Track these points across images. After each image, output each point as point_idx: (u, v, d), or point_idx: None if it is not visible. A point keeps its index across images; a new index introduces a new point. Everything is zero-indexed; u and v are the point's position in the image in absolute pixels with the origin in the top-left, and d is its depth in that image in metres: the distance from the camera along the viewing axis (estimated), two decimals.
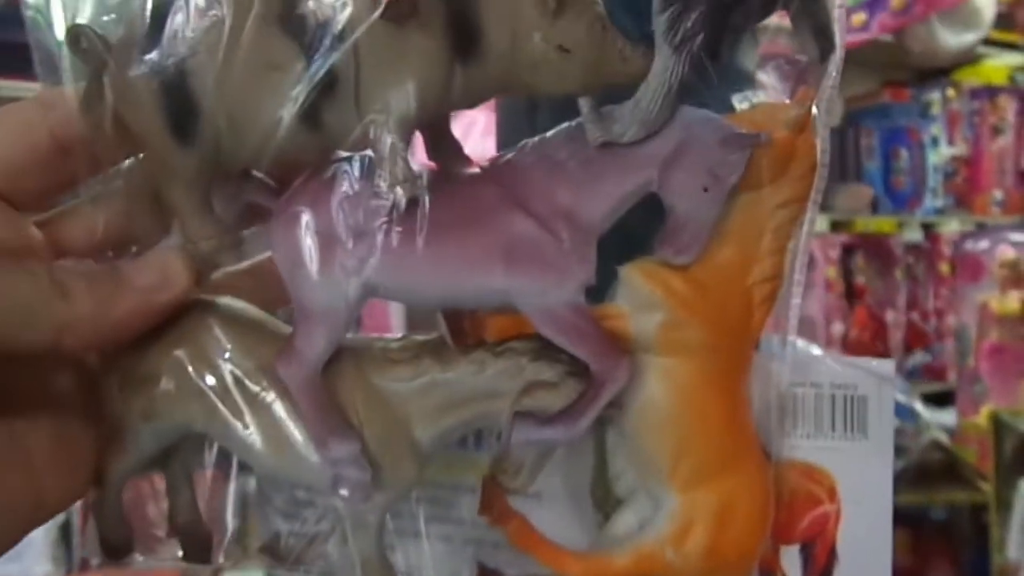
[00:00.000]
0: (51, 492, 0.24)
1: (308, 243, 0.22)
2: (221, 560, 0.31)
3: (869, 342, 1.64)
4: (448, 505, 0.29)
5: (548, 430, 0.23)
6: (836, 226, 1.64)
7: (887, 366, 0.26)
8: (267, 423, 0.24)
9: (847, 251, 1.68)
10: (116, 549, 0.27)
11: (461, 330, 0.24)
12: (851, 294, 1.68)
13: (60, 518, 1.21)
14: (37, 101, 0.24)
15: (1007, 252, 1.17)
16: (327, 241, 0.22)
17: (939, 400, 1.52)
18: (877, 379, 0.26)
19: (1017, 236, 1.22)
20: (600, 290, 0.24)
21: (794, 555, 0.26)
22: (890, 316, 1.70)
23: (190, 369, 0.24)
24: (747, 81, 0.25)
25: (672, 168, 0.23)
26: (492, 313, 0.24)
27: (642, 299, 0.24)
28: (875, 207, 1.74)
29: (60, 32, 0.26)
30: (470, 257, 0.22)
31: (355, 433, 0.23)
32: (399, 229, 0.22)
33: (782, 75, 0.24)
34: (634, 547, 0.24)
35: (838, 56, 0.23)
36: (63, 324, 0.22)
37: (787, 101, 0.24)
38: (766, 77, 0.24)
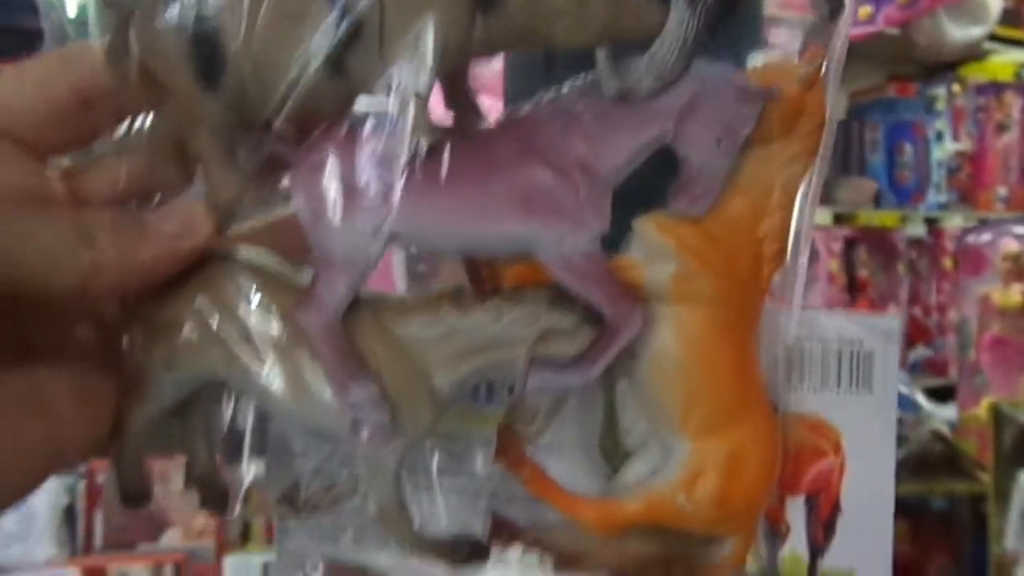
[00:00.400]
0: (70, 440, 0.25)
1: (330, 190, 0.23)
2: (238, 510, 0.32)
3: None
4: (461, 459, 0.30)
5: (563, 376, 0.24)
6: (839, 219, 1.65)
7: (893, 322, 0.26)
8: (287, 370, 0.25)
9: (849, 244, 1.69)
10: (134, 497, 0.28)
11: (479, 278, 0.25)
12: (853, 287, 1.69)
13: (64, 502, 1.22)
14: (59, 54, 0.25)
15: (1010, 245, 1.18)
16: (348, 188, 0.23)
17: (940, 395, 1.53)
18: (883, 335, 0.26)
19: (1020, 229, 1.22)
20: (614, 243, 0.25)
21: (799, 506, 0.27)
22: (892, 310, 1.70)
23: (211, 317, 0.25)
24: (759, 38, 0.25)
25: (686, 120, 0.23)
26: (509, 261, 0.25)
27: (655, 250, 0.24)
28: (878, 201, 1.75)
29: (71, 10, 0.26)
30: (488, 205, 0.23)
31: (374, 378, 0.24)
32: (419, 177, 0.23)
33: (792, 33, 0.25)
34: (645, 493, 0.25)
35: (848, 14, 0.24)
36: (89, 269, 0.22)
37: (797, 59, 0.25)
38: (777, 35, 0.25)
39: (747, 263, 0.25)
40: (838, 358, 0.27)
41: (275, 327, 0.25)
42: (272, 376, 0.25)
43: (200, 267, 0.25)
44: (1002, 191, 1.81)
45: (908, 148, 1.78)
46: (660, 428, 0.25)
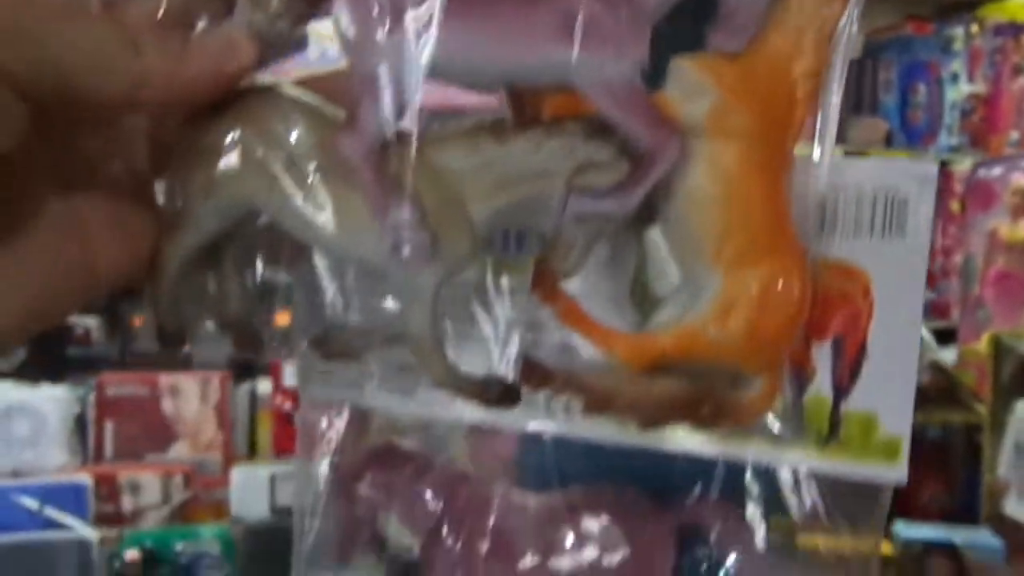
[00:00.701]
0: (105, 266, 0.25)
1: (375, 8, 0.23)
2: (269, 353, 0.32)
3: None
4: (490, 305, 0.30)
5: (602, 202, 0.24)
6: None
7: (930, 168, 0.27)
8: (327, 195, 0.25)
9: None
10: (171, 337, 0.28)
11: (521, 108, 0.25)
12: None
13: (75, 411, 1.24)
14: None
15: (1020, 180, 1.17)
16: (395, 11, 0.23)
17: (941, 338, 1.54)
18: (918, 180, 0.26)
19: None
20: (652, 83, 0.25)
21: (825, 349, 0.27)
22: None
23: (253, 144, 0.25)
24: None
25: None
26: (550, 91, 0.25)
27: (692, 86, 0.25)
28: (889, 141, 1.73)
29: None
30: (531, 31, 0.23)
31: (414, 201, 0.24)
32: (463, 2, 0.23)
33: None
34: (678, 326, 0.25)
35: None
36: (136, 79, 0.23)
37: None
38: None
39: (781, 102, 0.25)
40: (872, 203, 0.27)
41: (317, 155, 0.25)
42: (312, 203, 0.25)
43: (243, 97, 0.25)
44: (1014, 135, 1.80)
45: (922, 88, 1.76)
46: (693, 264, 0.26)
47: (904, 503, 1.14)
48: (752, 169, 0.25)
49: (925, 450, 1.09)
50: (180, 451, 1.25)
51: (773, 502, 0.29)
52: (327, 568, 0.34)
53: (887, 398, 0.27)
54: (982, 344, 1.13)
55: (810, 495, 0.27)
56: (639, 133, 0.24)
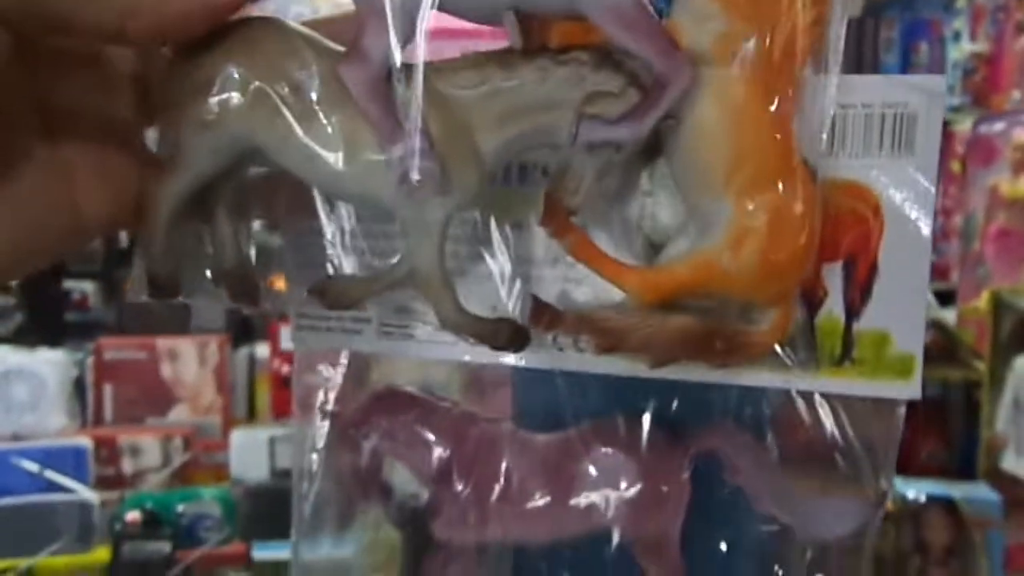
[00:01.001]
0: (90, 210, 0.25)
1: None
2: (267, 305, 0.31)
3: None
4: (490, 243, 0.29)
5: (615, 129, 0.23)
6: None
7: (939, 82, 0.26)
8: (333, 127, 0.24)
9: None
10: (162, 287, 0.27)
11: (528, 37, 0.24)
12: None
13: (74, 375, 1.24)
14: None
15: (1022, 136, 1.16)
16: None
17: (941, 300, 1.54)
18: (927, 95, 0.26)
19: None
20: (658, 11, 0.24)
21: (837, 271, 0.27)
22: None
23: (251, 75, 0.24)
24: None
25: None
26: (558, 18, 0.24)
27: (699, 11, 0.24)
28: None
29: None
30: None
31: (421, 131, 0.23)
32: None
33: None
34: (691, 258, 0.25)
35: None
36: (125, 8, 0.22)
37: None
38: None
39: (787, 28, 0.24)
40: (880, 121, 0.26)
41: (321, 86, 0.24)
42: (317, 135, 0.24)
43: (238, 28, 0.24)
44: (1017, 95, 1.78)
45: (924, 47, 1.73)
46: (704, 194, 0.25)
47: (903, 460, 1.14)
48: (760, 96, 0.24)
49: (924, 407, 1.09)
50: (180, 414, 1.25)
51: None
52: (327, 533, 0.34)
53: (899, 316, 0.26)
54: (982, 301, 1.13)
55: (826, 419, 0.27)
56: (649, 58, 0.23)
